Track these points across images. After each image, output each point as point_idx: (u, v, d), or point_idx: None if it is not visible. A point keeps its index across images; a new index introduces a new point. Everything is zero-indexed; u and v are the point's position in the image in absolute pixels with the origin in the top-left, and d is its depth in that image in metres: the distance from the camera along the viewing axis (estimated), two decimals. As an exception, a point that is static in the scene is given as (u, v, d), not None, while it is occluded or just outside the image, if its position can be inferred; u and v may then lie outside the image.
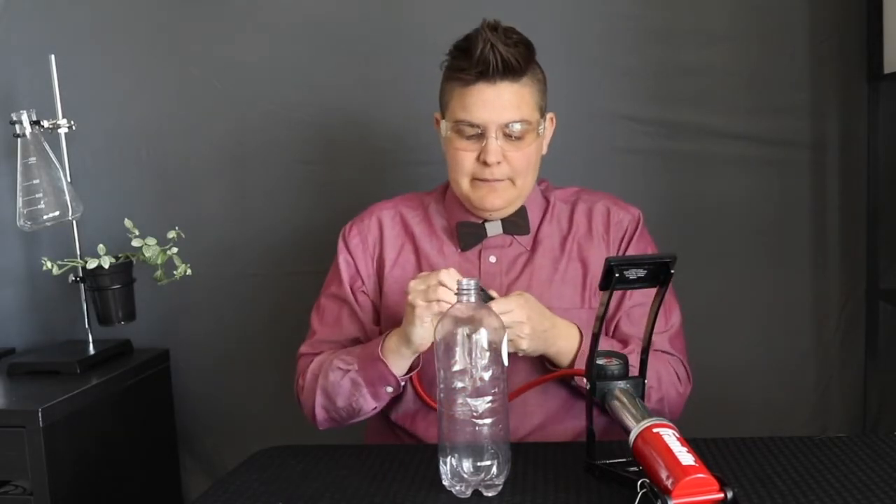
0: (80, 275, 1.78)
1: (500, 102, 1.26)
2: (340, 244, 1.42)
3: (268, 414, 1.93)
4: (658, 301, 1.05)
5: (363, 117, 1.89)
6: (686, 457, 0.92)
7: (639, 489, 0.95)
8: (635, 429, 0.99)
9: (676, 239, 1.73)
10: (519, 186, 1.31)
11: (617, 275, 1.00)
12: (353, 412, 1.29)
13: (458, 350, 1.00)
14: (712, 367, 1.77)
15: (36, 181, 1.70)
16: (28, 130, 1.71)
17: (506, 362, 1.02)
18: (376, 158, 1.90)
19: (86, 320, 1.84)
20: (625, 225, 1.37)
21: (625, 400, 1.05)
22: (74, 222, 1.77)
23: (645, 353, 1.10)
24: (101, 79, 1.93)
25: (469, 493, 1.02)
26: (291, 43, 1.89)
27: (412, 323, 1.17)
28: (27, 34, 1.94)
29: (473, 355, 1.00)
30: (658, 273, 1.03)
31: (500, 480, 1.02)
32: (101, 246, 1.73)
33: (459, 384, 1.00)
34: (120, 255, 1.77)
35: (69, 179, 1.75)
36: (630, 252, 1.36)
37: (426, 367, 1.30)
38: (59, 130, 1.76)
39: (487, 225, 1.35)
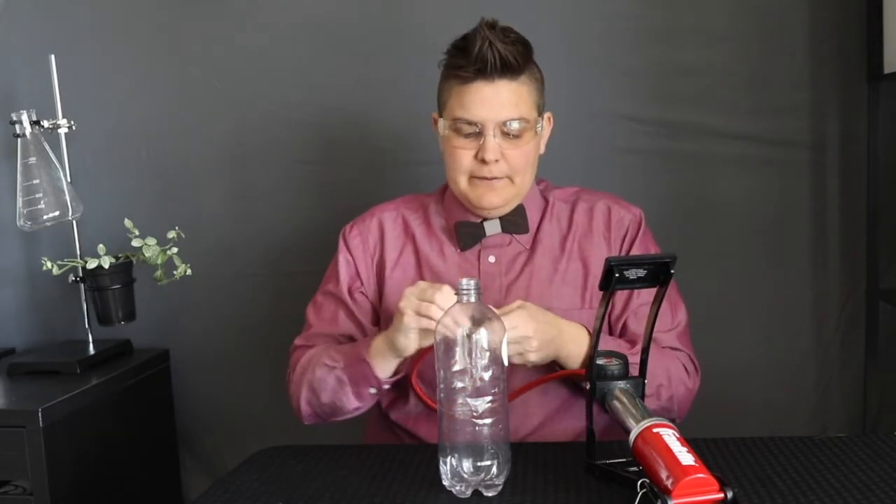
0: (80, 275, 1.78)
1: (497, 100, 1.26)
2: (341, 244, 1.42)
3: (268, 414, 1.93)
4: (658, 301, 1.05)
5: (363, 117, 1.89)
6: (686, 457, 0.92)
7: (639, 489, 0.95)
8: (635, 429, 0.99)
9: (676, 239, 1.72)
10: (517, 184, 1.31)
11: (617, 275, 1.00)
12: (335, 410, 1.29)
13: (458, 350, 1.01)
14: (712, 367, 1.77)
15: (36, 181, 1.70)
16: (28, 130, 1.71)
17: (506, 362, 1.02)
18: (376, 158, 1.90)
19: (86, 320, 1.84)
20: (626, 224, 1.37)
21: (625, 400, 1.05)
22: (74, 222, 1.77)
23: (645, 352, 1.10)
24: (101, 79, 1.94)
25: (469, 493, 1.02)
26: (291, 43, 1.89)
27: (398, 330, 1.17)
28: (27, 34, 1.94)
29: (473, 355, 1.00)
30: (658, 273, 1.03)
31: (500, 480, 1.02)
32: (101, 246, 1.73)
33: (459, 384, 1.00)
34: (120, 255, 1.77)
35: (69, 179, 1.75)
36: (633, 252, 1.35)
37: (426, 369, 1.30)
38: (59, 130, 1.76)
39: (486, 224, 1.35)
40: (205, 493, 1.11)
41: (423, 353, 1.26)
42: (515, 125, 1.27)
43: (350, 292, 1.38)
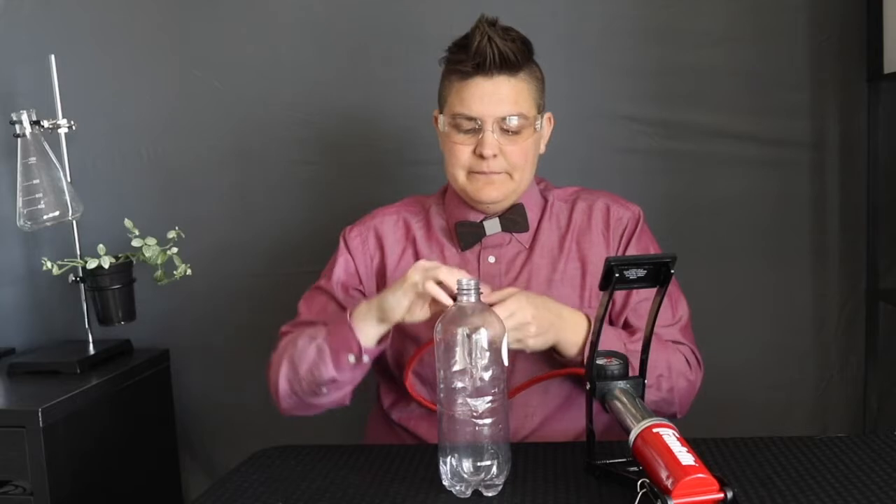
0: (80, 275, 1.78)
1: (497, 96, 1.27)
2: (341, 244, 1.42)
3: (268, 414, 1.90)
4: (658, 301, 1.05)
5: (363, 117, 1.89)
6: (686, 457, 0.92)
7: (639, 489, 0.95)
8: (635, 429, 0.99)
9: (676, 239, 1.72)
10: (516, 180, 1.31)
11: (617, 275, 1.00)
12: (313, 383, 1.24)
13: (458, 350, 1.01)
14: (712, 367, 1.76)
15: (36, 181, 1.70)
16: (28, 130, 1.71)
17: (506, 362, 1.02)
18: (377, 158, 1.90)
19: (86, 320, 1.84)
20: (625, 222, 1.37)
21: (625, 400, 1.05)
22: (74, 222, 1.77)
23: (645, 352, 1.10)
24: (101, 79, 1.94)
25: (469, 493, 1.02)
26: (291, 43, 1.89)
27: (393, 289, 1.17)
28: (27, 34, 1.94)
29: (473, 355, 1.00)
30: (658, 273, 1.03)
31: (500, 480, 1.02)
32: (101, 246, 1.73)
33: (459, 384, 1.01)
34: (120, 255, 1.77)
35: (69, 179, 1.75)
36: (631, 250, 1.35)
37: (426, 370, 1.30)
38: (59, 130, 1.76)
39: (486, 223, 1.35)
40: (205, 492, 1.11)
41: (416, 353, 1.27)
42: (514, 121, 1.28)
43: (345, 288, 1.38)
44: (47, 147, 1.73)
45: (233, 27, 1.90)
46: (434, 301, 1.15)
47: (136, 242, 1.73)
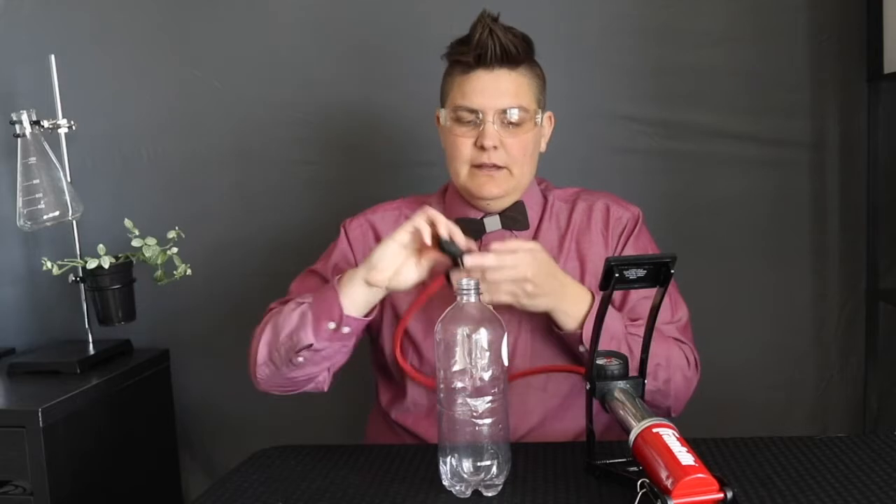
0: (80, 275, 1.78)
1: (497, 89, 1.28)
2: (341, 233, 1.42)
3: (268, 414, 1.93)
4: (658, 301, 1.05)
5: (364, 117, 1.89)
6: (686, 457, 0.92)
7: (639, 489, 0.95)
8: (635, 429, 0.99)
9: (676, 239, 1.72)
10: (516, 175, 1.31)
11: (617, 275, 1.00)
12: (291, 349, 1.22)
13: (458, 350, 1.01)
14: (712, 367, 1.76)
15: (36, 181, 1.70)
16: (28, 130, 1.71)
17: (506, 362, 1.02)
18: (377, 158, 1.90)
19: (86, 320, 1.84)
20: (624, 222, 1.38)
21: (625, 400, 1.05)
22: (74, 222, 1.77)
23: (645, 352, 1.10)
24: (101, 79, 1.94)
25: (469, 493, 1.02)
26: (291, 43, 1.89)
27: (382, 242, 1.18)
28: (27, 34, 1.94)
29: (473, 355, 1.00)
30: (658, 273, 1.03)
31: (500, 480, 1.02)
32: (101, 246, 1.73)
33: (459, 384, 1.01)
34: (120, 255, 1.77)
35: (69, 179, 1.76)
36: (629, 249, 1.36)
37: (427, 356, 1.30)
38: (59, 130, 1.76)
39: (486, 221, 1.35)
40: (205, 492, 1.11)
41: (402, 323, 1.27)
42: (515, 114, 1.28)
43: (340, 273, 1.38)
44: (47, 147, 1.73)
45: (233, 27, 1.90)
46: (425, 255, 1.16)
47: (136, 242, 1.73)
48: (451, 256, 1.16)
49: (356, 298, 1.20)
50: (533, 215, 1.38)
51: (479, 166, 1.30)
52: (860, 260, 1.82)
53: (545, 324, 1.27)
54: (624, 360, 1.08)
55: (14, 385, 1.72)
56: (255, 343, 1.29)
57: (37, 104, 1.75)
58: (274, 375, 1.28)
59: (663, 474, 0.92)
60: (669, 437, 0.95)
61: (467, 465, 1.01)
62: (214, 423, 2.01)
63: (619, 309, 1.33)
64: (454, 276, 1.17)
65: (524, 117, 1.29)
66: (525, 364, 1.30)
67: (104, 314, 1.79)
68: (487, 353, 1.00)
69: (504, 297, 1.19)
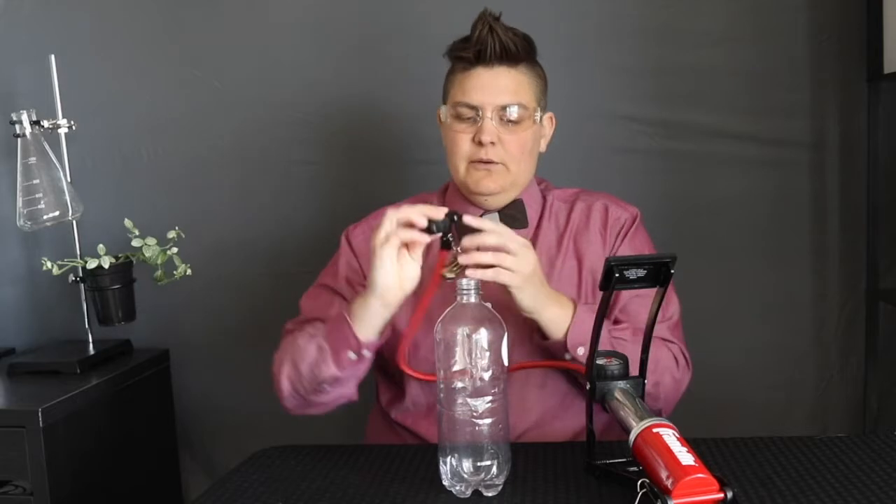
0: (80, 275, 1.78)
1: (496, 86, 1.29)
2: (343, 244, 1.42)
3: (268, 414, 1.91)
4: (658, 302, 1.05)
5: (364, 117, 1.89)
6: (686, 457, 0.92)
7: (639, 489, 0.95)
8: (635, 429, 0.99)
9: (676, 239, 1.72)
10: (513, 172, 1.32)
11: (617, 275, 1.00)
12: (314, 381, 1.24)
13: (458, 350, 1.01)
14: (712, 366, 1.77)
15: (36, 181, 1.70)
16: (28, 130, 1.71)
17: (506, 362, 1.02)
18: (378, 158, 1.90)
19: (86, 320, 1.84)
20: (622, 221, 1.38)
21: (625, 400, 1.05)
22: (74, 222, 1.77)
23: (645, 352, 1.10)
24: (101, 79, 1.94)
25: (469, 493, 1.02)
26: (291, 42, 1.89)
27: (373, 266, 1.16)
28: (27, 34, 1.94)
29: (473, 355, 1.00)
30: (658, 273, 1.03)
31: (500, 480, 1.02)
32: (101, 246, 1.73)
33: (459, 384, 1.01)
34: (120, 255, 1.77)
35: (69, 179, 1.75)
36: (624, 247, 1.36)
37: (427, 354, 1.30)
38: (59, 130, 1.76)
39: (485, 218, 1.35)
40: (205, 492, 1.11)
41: (408, 331, 1.25)
42: (514, 111, 1.29)
43: (350, 284, 1.38)
44: (47, 147, 1.73)
45: (233, 27, 1.90)
46: (411, 246, 1.16)
47: (136, 242, 1.73)
48: (443, 232, 1.15)
49: (372, 323, 1.20)
50: (532, 214, 1.38)
51: (477, 162, 1.30)
52: (860, 260, 1.82)
53: (527, 334, 1.27)
54: (624, 360, 1.08)
55: (14, 385, 1.72)
56: (277, 375, 1.29)
57: (37, 104, 1.75)
58: (302, 404, 1.30)
59: (663, 474, 0.92)
60: (669, 437, 0.95)
61: (467, 465, 1.01)
62: (214, 423, 2.01)
63: (610, 311, 1.33)
64: (457, 247, 1.17)
65: (523, 115, 1.30)
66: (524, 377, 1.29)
67: (104, 314, 1.79)
68: (487, 353, 1.00)
69: (484, 276, 1.16)
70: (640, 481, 0.95)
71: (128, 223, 1.73)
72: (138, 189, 1.95)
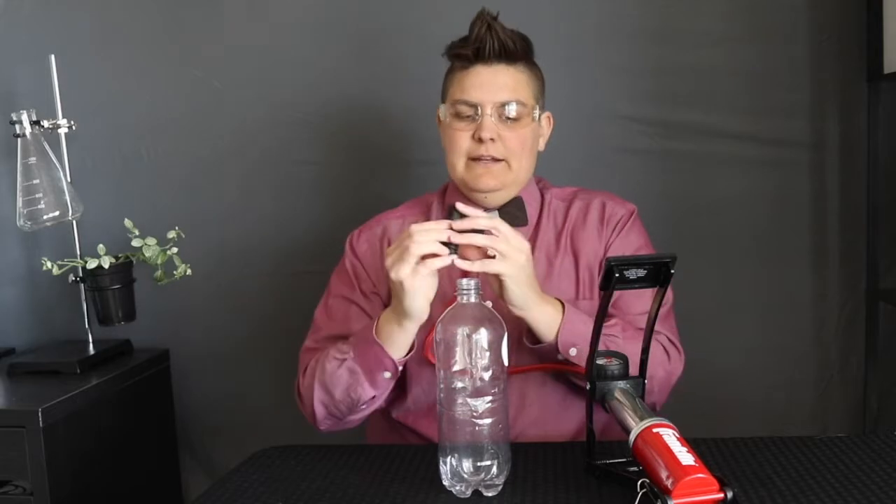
0: (80, 275, 1.78)
1: (495, 84, 1.29)
2: (348, 250, 1.42)
3: (268, 414, 1.93)
4: (658, 302, 1.05)
5: (365, 117, 1.89)
6: (686, 457, 0.92)
7: (639, 489, 0.95)
8: (635, 429, 0.99)
9: (676, 239, 1.73)
10: (514, 169, 1.32)
11: (617, 275, 1.00)
12: (351, 404, 1.26)
13: (458, 350, 1.01)
14: (712, 366, 1.78)
15: (36, 181, 1.70)
16: (28, 130, 1.71)
17: (506, 362, 1.02)
18: (378, 158, 1.90)
19: (86, 320, 1.84)
20: (618, 216, 1.38)
21: (625, 400, 1.05)
22: (74, 222, 1.77)
23: (645, 353, 1.10)
24: (101, 79, 1.93)
25: (469, 493, 1.02)
26: (292, 42, 1.89)
27: (405, 296, 1.14)
28: (27, 34, 1.94)
29: (473, 355, 1.00)
30: (658, 273, 1.03)
31: (500, 480, 1.02)
32: (101, 246, 1.73)
33: (459, 384, 1.01)
34: (120, 255, 1.77)
35: (69, 179, 1.76)
36: (619, 241, 1.36)
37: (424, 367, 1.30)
38: (59, 130, 1.76)
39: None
40: (205, 492, 1.11)
41: (432, 328, 1.25)
42: (512, 108, 1.30)
43: (363, 292, 1.38)
44: (47, 147, 1.73)
45: (233, 27, 1.90)
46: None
47: (136, 242, 1.73)
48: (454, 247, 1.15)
49: (404, 342, 1.22)
50: (531, 212, 1.38)
51: (477, 159, 1.30)
52: (860, 260, 1.82)
53: (516, 338, 1.26)
54: (624, 360, 1.08)
55: (14, 385, 1.72)
56: (308, 400, 1.30)
57: (37, 104, 1.75)
58: (338, 423, 1.32)
59: (663, 474, 0.92)
60: (669, 437, 0.95)
61: (467, 465, 1.01)
62: (214, 423, 2.01)
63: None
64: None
65: (522, 112, 1.30)
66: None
67: (104, 314, 1.79)
68: (487, 353, 1.00)
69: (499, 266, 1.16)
70: (640, 481, 0.95)
71: (128, 223, 1.73)
72: (138, 189, 1.95)
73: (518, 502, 1.00)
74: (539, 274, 1.34)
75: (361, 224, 1.45)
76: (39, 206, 1.71)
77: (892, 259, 1.80)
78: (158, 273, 1.76)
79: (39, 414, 1.51)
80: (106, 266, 1.72)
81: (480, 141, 1.29)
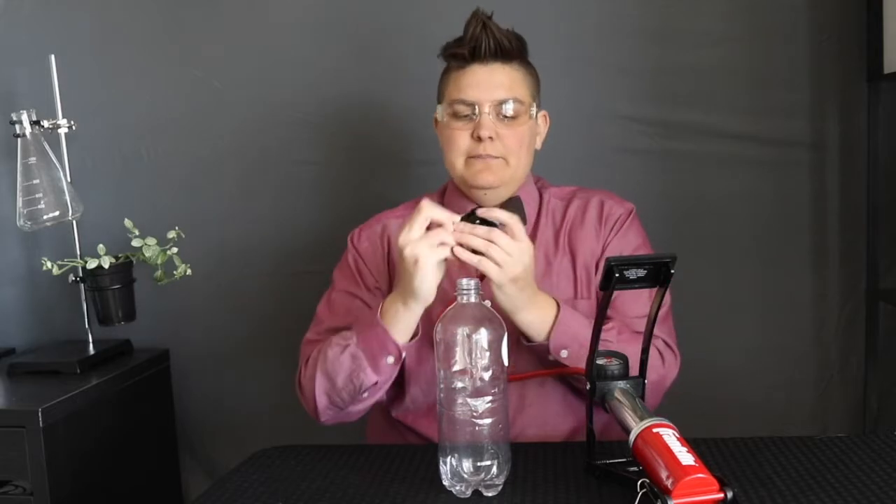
0: (80, 275, 1.78)
1: (492, 82, 1.30)
2: (350, 247, 1.42)
3: (268, 414, 1.93)
4: (658, 303, 1.05)
5: (365, 117, 1.89)
6: (686, 457, 0.92)
7: (639, 489, 0.95)
8: (635, 429, 0.99)
9: (676, 239, 1.73)
10: (512, 166, 1.32)
11: (617, 275, 1.00)
12: (354, 391, 1.25)
13: (458, 350, 1.01)
14: (712, 366, 1.78)
15: (36, 181, 1.70)
16: (28, 130, 1.71)
17: (506, 362, 1.02)
18: (378, 158, 1.90)
19: (86, 320, 1.84)
20: (616, 215, 1.38)
21: (625, 400, 1.05)
22: (74, 222, 1.77)
23: (645, 353, 1.10)
24: (101, 79, 1.94)
25: (469, 493, 1.02)
26: (292, 43, 1.89)
27: (417, 273, 1.14)
28: (27, 34, 1.94)
29: (473, 355, 1.00)
30: (658, 273, 1.03)
31: (500, 480, 1.02)
32: (101, 246, 1.73)
33: (459, 384, 1.01)
34: (120, 255, 1.77)
35: (69, 179, 1.76)
36: (617, 240, 1.36)
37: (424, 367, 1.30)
38: (59, 130, 1.76)
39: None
40: (205, 492, 1.11)
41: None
42: (510, 106, 1.30)
43: (366, 286, 1.38)
44: (47, 147, 1.73)
45: (233, 27, 1.90)
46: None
47: (136, 242, 1.73)
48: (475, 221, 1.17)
49: (408, 325, 1.22)
50: (529, 212, 1.38)
51: (476, 157, 1.31)
52: (860, 260, 1.82)
53: (513, 337, 1.26)
54: (624, 360, 1.08)
55: (14, 385, 1.72)
56: (310, 391, 1.29)
57: (37, 104, 1.75)
58: (339, 414, 1.31)
59: (663, 474, 0.92)
60: (669, 437, 0.95)
61: (467, 465, 1.01)
62: (214, 423, 2.01)
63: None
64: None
65: (519, 109, 1.31)
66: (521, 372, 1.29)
67: (104, 314, 1.79)
68: (487, 353, 1.00)
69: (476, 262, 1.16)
70: (640, 481, 0.95)
71: (128, 223, 1.73)
72: (138, 189, 1.95)
73: (518, 502, 1.00)
74: (538, 273, 1.34)
75: (361, 224, 1.45)
76: (39, 206, 1.71)
77: (892, 259, 1.80)
78: (158, 273, 1.76)
79: (39, 414, 1.51)
80: (106, 266, 1.72)
81: (479, 139, 1.29)
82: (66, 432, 1.58)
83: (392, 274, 1.38)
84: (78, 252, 1.78)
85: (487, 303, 1.11)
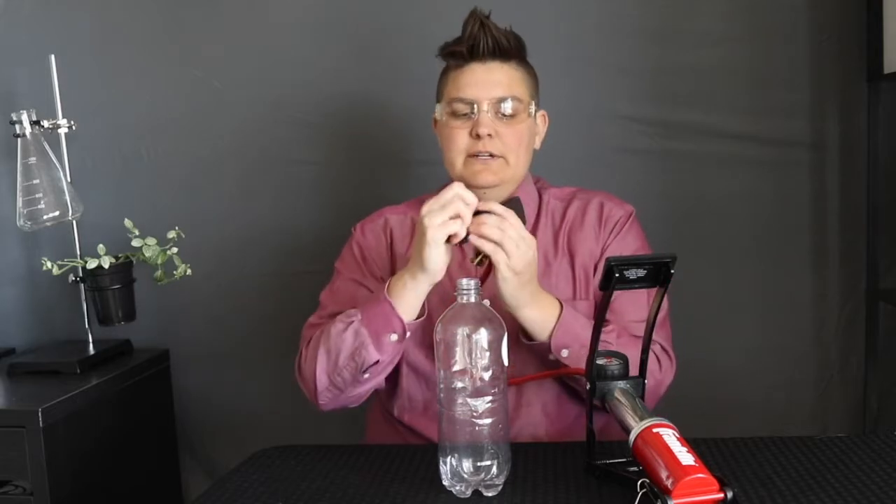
0: (80, 275, 1.78)
1: (490, 80, 1.30)
2: (353, 238, 1.43)
3: (268, 414, 1.93)
4: (658, 303, 1.05)
5: (365, 117, 1.89)
6: (686, 457, 0.92)
7: (639, 489, 0.95)
8: (635, 429, 0.99)
9: (676, 239, 1.73)
10: (512, 165, 1.32)
11: (617, 275, 1.00)
12: (355, 370, 1.23)
13: (458, 350, 1.01)
14: (712, 366, 1.78)
15: (36, 181, 1.70)
16: (28, 130, 1.71)
17: (506, 362, 1.02)
18: (378, 158, 1.90)
19: (86, 320, 1.84)
20: (616, 217, 1.38)
21: (625, 400, 1.05)
22: (74, 222, 1.77)
23: (645, 353, 1.10)
24: (101, 79, 1.94)
25: (469, 493, 1.02)
26: (292, 43, 1.89)
27: (426, 248, 1.15)
28: (27, 34, 1.94)
29: (473, 355, 1.00)
30: (658, 273, 1.03)
31: (500, 480, 1.02)
32: (101, 246, 1.73)
33: (459, 384, 1.01)
34: (120, 255, 1.77)
35: (69, 179, 1.75)
36: (617, 242, 1.36)
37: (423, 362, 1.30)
38: (59, 130, 1.76)
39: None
40: (205, 492, 1.11)
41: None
42: (508, 104, 1.30)
43: (371, 273, 1.38)
44: (47, 147, 1.73)
45: (233, 27, 1.90)
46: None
47: (136, 242, 1.73)
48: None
49: (413, 303, 1.21)
50: (529, 212, 1.38)
51: (475, 155, 1.31)
52: (860, 260, 1.82)
53: (513, 335, 1.26)
54: (624, 360, 1.08)
55: (14, 385, 1.72)
56: (310, 371, 1.27)
57: (37, 104, 1.75)
58: (337, 397, 1.29)
59: (663, 474, 0.92)
60: (669, 437, 0.95)
61: (467, 465, 1.01)
62: (214, 423, 2.01)
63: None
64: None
65: (518, 108, 1.31)
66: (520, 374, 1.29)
67: (104, 314, 1.79)
68: (487, 353, 1.00)
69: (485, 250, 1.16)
70: (640, 481, 0.95)
71: (128, 223, 1.73)
72: (138, 189, 1.95)
73: (518, 502, 1.00)
74: (537, 273, 1.34)
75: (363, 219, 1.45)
76: (39, 206, 1.71)
77: (892, 259, 1.80)
78: (158, 273, 1.76)
79: (39, 414, 1.51)
80: (106, 266, 1.72)
81: (478, 137, 1.30)
82: (66, 432, 1.58)
83: (395, 266, 1.39)
84: (78, 252, 1.78)
85: (487, 302, 1.12)
